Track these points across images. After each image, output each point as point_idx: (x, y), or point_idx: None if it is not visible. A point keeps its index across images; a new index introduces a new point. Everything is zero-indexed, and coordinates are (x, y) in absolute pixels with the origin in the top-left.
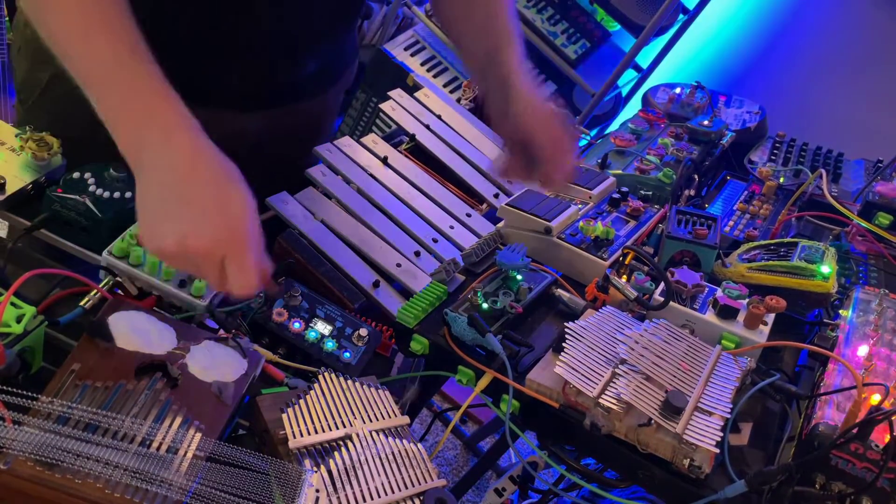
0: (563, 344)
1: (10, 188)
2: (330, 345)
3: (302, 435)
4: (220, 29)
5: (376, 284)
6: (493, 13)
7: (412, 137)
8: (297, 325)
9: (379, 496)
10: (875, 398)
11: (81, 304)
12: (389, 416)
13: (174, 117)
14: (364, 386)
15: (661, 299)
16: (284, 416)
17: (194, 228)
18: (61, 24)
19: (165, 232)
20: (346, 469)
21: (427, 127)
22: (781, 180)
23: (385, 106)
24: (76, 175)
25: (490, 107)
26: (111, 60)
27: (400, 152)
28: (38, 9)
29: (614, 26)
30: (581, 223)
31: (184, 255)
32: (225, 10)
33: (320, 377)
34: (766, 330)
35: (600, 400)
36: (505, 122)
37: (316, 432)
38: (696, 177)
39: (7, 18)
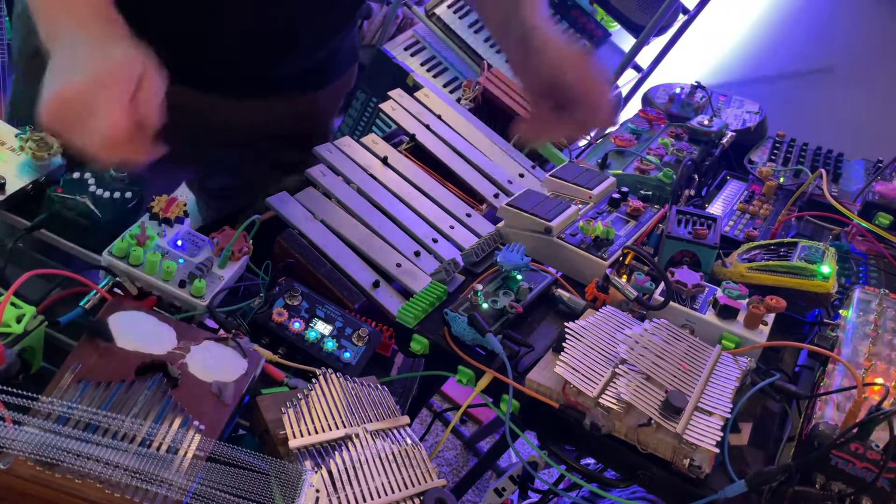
0: (563, 344)
1: (10, 188)
2: (330, 345)
3: (302, 435)
4: (203, 16)
5: (376, 284)
6: None
7: (412, 137)
8: (297, 325)
9: (379, 496)
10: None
11: (81, 304)
12: (389, 416)
13: (89, 9)
14: (364, 386)
15: (661, 299)
16: (284, 416)
17: (77, 75)
18: None
19: (48, 93)
20: (346, 469)
21: (427, 127)
22: (781, 180)
23: (385, 106)
24: (76, 175)
25: (514, 65)
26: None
27: (400, 152)
28: None
29: (614, 26)
30: (581, 223)
31: (64, 105)
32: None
33: (320, 377)
34: (766, 330)
35: (600, 400)
36: (529, 74)
37: (316, 432)
38: (696, 177)
39: (7, 18)
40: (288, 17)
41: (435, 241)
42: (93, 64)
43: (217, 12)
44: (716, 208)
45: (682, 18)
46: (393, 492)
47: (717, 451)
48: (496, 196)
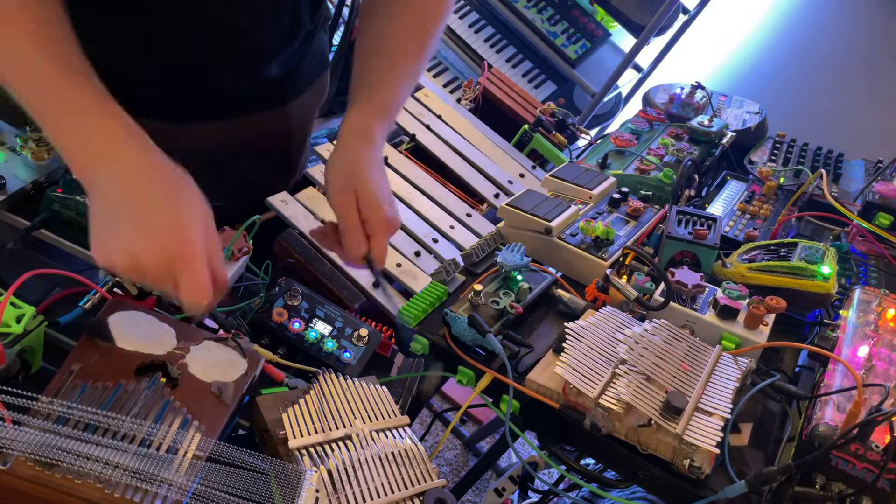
0: (564, 344)
1: (10, 188)
2: (330, 345)
3: (302, 435)
4: (157, 38)
5: (376, 284)
6: (393, 55)
7: (412, 137)
8: (297, 325)
9: (379, 496)
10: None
11: (81, 304)
12: (389, 416)
13: (123, 134)
14: (364, 386)
15: (662, 299)
16: (284, 416)
17: (144, 242)
18: (1, 52)
19: (116, 247)
20: (346, 469)
21: (427, 127)
22: (782, 180)
23: None
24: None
25: None
26: (55, 86)
27: (400, 152)
28: None
29: (614, 26)
30: (581, 223)
31: (136, 270)
32: (157, 21)
33: (320, 377)
34: (766, 330)
35: (600, 400)
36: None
37: (316, 432)
38: (696, 177)
39: None
40: (232, 35)
41: (435, 241)
42: (160, 231)
43: (160, 37)
44: (716, 208)
45: (682, 18)
46: (393, 492)
47: (718, 451)
48: (496, 196)
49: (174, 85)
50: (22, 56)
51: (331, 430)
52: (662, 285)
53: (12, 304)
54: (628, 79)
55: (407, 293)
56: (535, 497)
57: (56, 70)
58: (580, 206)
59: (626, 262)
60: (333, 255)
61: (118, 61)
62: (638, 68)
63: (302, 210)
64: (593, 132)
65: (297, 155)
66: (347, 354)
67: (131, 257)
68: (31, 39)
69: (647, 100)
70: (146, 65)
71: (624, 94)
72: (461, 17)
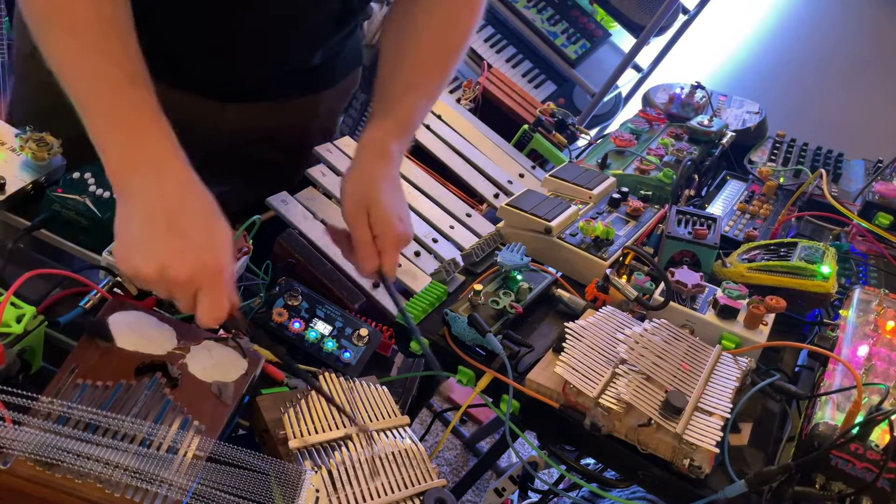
0: (563, 344)
1: (10, 188)
2: (330, 345)
3: (302, 435)
4: (198, 15)
5: (376, 284)
6: (413, 72)
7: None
8: (297, 325)
9: (379, 496)
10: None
11: (81, 304)
12: (389, 416)
13: (168, 148)
14: (364, 386)
15: (661, 299)
16: (284, 416)
17: (177, 259)
18: (63, 44)
19: (147, 257)
20: (346, 469)
21: (427, 127)
22: (781, 180)
23: None
24: (76, 175)
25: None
26: (109, 86)
27: None
28: (43, 24)
29: (614, 26)
30: (581, 223)
31: (161, 281)
32: (216, 4)
33: (320, 377)
34: (766, 330)
35: (600, 400)
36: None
37: (316, 432)
38: (696, 177)
39: (7, 18)
40: (274, 20)
41: (435, 241)
42: (194, 252)
43: (202, 17)
44: (716, 208)
45: (682, 18)
46: (393, 492)
47: (717, 451)
48: (496, 196)
49: (226, 67)
50: (78, 48)
51: (330, 430)
52: (662, 285)
53: (12, 304)
54: (628, 79)
55: (407, 293)
56: (535, 497)
57: (111, 71)
58: (580, 206)
59: (626, 262)
60: (333, 255)
61: (174, 40)
62: (638, 68)
63: (302, 210)
64: (593, 132)
65: (319, 143)
66: (347, 354)
67: (161, 269)
68: (91, 34)
69: (646, 100)
70: (200, 46)
71: (624, 94)
72: None
